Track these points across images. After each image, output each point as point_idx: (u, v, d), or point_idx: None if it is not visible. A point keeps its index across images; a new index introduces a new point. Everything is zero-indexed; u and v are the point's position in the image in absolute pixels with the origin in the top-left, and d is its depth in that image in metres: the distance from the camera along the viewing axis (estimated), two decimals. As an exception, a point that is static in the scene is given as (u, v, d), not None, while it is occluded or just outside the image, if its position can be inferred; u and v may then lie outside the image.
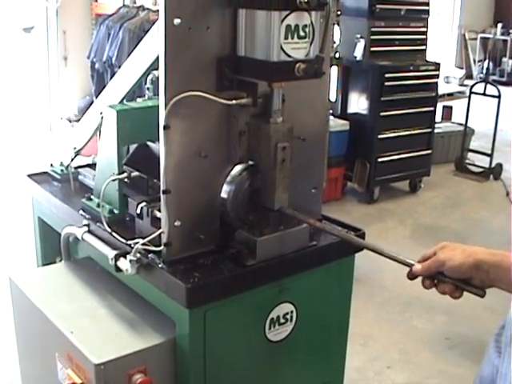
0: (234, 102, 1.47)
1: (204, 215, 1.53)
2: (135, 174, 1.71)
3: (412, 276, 1.20)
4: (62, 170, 2.08)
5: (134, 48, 1.74)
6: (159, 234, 1.48)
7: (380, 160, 4.99)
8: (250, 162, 1.53)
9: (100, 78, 5.81)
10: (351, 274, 1.73)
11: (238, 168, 1.53)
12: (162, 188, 1.45)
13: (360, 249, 1.57)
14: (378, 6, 4.84)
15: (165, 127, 1.40)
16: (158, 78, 1.43)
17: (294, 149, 1.51)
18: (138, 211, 1.58)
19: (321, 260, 1.63)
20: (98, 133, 1.79)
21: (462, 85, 10.02)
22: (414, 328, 3.31)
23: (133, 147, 1.88)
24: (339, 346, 1.78)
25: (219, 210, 1.54)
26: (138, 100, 1.85)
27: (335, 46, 4.86)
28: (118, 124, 1.66)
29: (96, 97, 5.51)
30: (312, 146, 1.69)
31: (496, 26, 10.63)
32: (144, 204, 1.57)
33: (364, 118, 4.98)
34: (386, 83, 4.84)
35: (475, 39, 10.79)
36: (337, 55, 4.91)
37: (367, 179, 4.98)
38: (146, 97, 1.85)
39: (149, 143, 1.84)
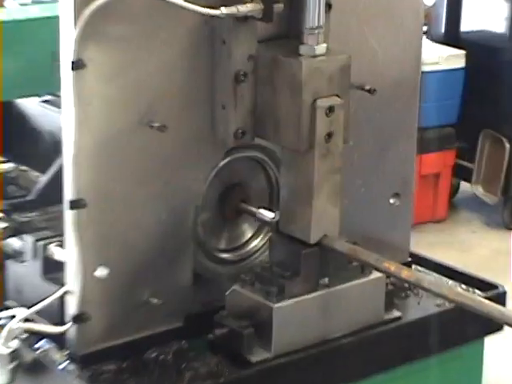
0: (223, 10, 1.38)
1: (160, 253, 1.45)
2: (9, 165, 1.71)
3: None
4: None
5: None
6: (61, 297, 1.39)
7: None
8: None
9: None
10: (478, 375, 1.69)
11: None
12: (67, 197, 1.36)
13: (497, 327, 1.52)
14: None
15: (75, 65, 1.33)
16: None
17: (352, 111, 1.43)
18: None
19: (413, 351, 1.56)
20: None
21: None
22: None
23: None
24: None
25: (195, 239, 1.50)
26: (16, 6, 1.86)
27: None
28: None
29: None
30: (390, 106, 1.63)
31: None
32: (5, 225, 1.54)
33: (497, 44, 4.90)
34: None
35: None
36: None
37: (505, 176, 4.92)
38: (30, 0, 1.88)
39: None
